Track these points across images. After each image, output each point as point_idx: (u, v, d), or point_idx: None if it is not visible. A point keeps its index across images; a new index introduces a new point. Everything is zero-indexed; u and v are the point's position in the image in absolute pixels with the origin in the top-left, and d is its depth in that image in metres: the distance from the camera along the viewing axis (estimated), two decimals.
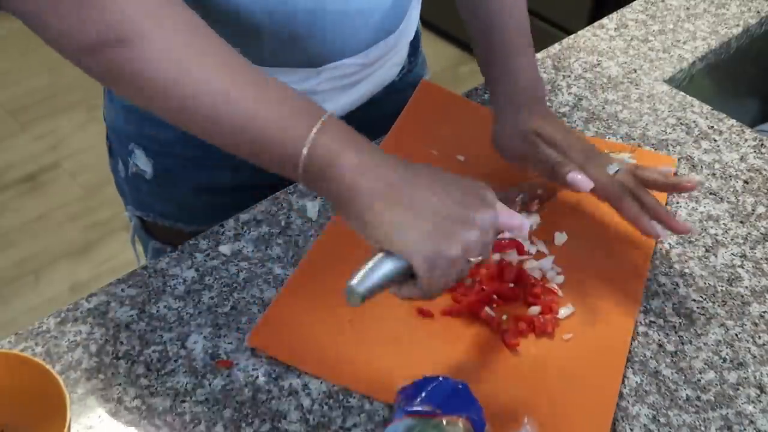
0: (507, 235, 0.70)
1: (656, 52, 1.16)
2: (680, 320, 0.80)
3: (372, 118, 0.97)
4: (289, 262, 0.83)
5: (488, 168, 0.89)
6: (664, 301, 0.82)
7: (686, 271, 0.85)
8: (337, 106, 0.93)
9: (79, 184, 2.34)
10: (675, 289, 0.83)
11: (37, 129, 2.51)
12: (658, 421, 0.72)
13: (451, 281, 0.64)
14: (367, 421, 0.70)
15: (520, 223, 0.67)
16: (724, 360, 0.77)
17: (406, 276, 0.63)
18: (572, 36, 1.19)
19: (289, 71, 0.86)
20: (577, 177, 0.79)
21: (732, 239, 0.89)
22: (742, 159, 0.99)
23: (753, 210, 0.93)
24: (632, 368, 0.76)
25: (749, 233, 0.90)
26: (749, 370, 0.76)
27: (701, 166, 0.98)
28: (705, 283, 0.84)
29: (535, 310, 0.79)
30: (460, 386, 0.65)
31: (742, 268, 0.86)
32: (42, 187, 2.33)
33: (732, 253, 0.87)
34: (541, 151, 0.82)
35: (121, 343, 0.75)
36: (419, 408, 0.63)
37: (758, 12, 1.25)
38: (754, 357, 0.78)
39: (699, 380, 0.75)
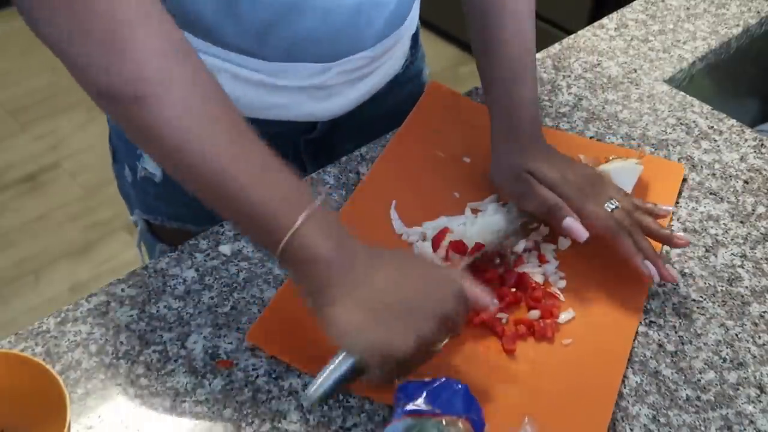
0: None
1: (656, 52, 1.16)
2: (680, 320, 0.80)
3: (376, 115, 0.97)
4: None
5: None
6: (664, 301, 0.82)
7: (686, 271, 0.85)
8: (347, 100, 0.93)
9: (79, 184, 2.34)
10: (675, 289, 0.83)
11: (37, 129, 2.51)
12: (658, 421, 0.72)
13: (411, 370, 0.67)
14: (367, 421, 0.70)
15: (488, 302, 0.70)
16: (724, 360, 0.77)
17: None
18: (572, 36, 1.19)
19: (300, 66, 0.86)
20: (573, 226, 0.80)
21: (732, 239, 0.89)
22: (742, 159, 0.99)
23: (753, 210, 0.93)
24: (632, 368, 0.76)
25: (749, 233, 0.90)
26: (749, 370, 0.76)
27: (701, 166, 0.98)
28: (705, 283, 0.84)
29: (535, 314, 0.79)
30: (460, 386, 0.65)
31: (742, 268, 0.86)
32: (42, 187, 2.33)
33: (732, 253, 0.87)
34: (536, 192, 0.82)
35: (121, 343, 0.75)
36: (419, 408, 0.63)
37: (758, 12, 1.25)
38: (754, 357, 0.78)
39: (699, 380, 0.75)
